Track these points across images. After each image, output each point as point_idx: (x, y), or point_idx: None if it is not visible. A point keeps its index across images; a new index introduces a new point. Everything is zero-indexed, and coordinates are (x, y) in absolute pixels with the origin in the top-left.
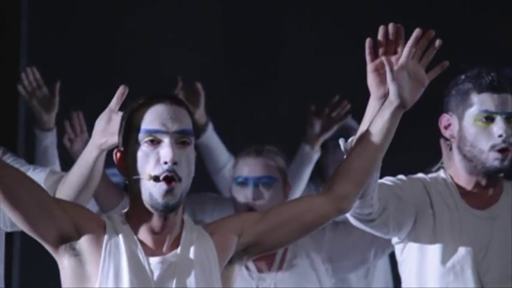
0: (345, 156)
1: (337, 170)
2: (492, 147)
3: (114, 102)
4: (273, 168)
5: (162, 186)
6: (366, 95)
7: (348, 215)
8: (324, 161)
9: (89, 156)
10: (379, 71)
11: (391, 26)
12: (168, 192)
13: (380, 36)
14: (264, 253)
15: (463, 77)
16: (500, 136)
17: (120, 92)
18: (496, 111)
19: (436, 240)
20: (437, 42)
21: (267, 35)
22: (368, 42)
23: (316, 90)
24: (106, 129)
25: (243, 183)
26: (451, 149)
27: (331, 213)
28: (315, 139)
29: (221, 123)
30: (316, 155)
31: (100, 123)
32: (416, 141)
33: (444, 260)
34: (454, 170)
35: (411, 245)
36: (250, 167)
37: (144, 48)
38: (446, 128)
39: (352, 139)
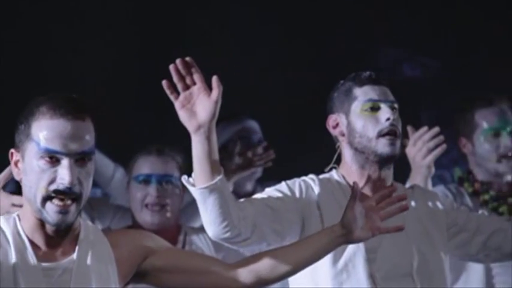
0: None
1: (263, 254)
2: (379, 133)
3: (0, 181)
4: (175, 168)
5: (56, 207)
6: (271, 95)
7: (218, 241)
8: (221, 163)
9: None
10: (186, 106)
11: (178, 62)
12: (62, 213)
13: (174, 76)
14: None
15: (341, 81)
16: (387, 120)
17: (7, 172)
18: (379, 99)
19: None
20: (405, 204)
21: (173, 38)
22: (165, 84)
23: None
24: None
25: (146, 180)
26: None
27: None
28: (229, 174)
29: (129, 130)
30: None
31: None
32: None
33: (336, 260)
34: (346, 168)
35: None
36: (153, 165)
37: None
38: (334, 127)
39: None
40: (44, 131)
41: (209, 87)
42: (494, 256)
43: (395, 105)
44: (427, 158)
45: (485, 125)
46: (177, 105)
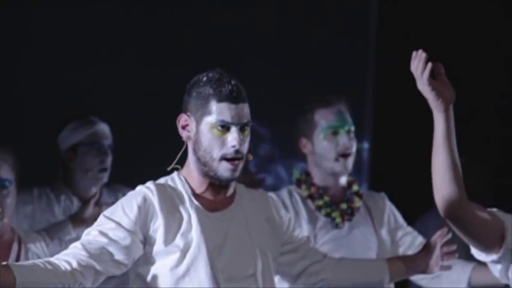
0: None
1: None
2: (223, 157)
3: None
4: (9, 170)
5: None
6: (114, 102)
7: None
8: (71, 165)
9: None
10: None
11: None
12: None
13: None
14: None
15: (204, 79)
16: (233, 147)
17: None
18: (232, 122)
19: (167, 246)
20: None
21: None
22: None
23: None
24: None
25: None
26: (186, 149)
27: None
28: (80, 222)
29: None
30: (73, 234)
31: None
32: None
33: (178, 264)
34: (188, 170)
35: (149, 252)
36: None
37: None
38: (184, 128)
39: None
40: None
41: None
42: (302, 280)
43: (247, 127)
44: None
45: (324, 123)
46: None
